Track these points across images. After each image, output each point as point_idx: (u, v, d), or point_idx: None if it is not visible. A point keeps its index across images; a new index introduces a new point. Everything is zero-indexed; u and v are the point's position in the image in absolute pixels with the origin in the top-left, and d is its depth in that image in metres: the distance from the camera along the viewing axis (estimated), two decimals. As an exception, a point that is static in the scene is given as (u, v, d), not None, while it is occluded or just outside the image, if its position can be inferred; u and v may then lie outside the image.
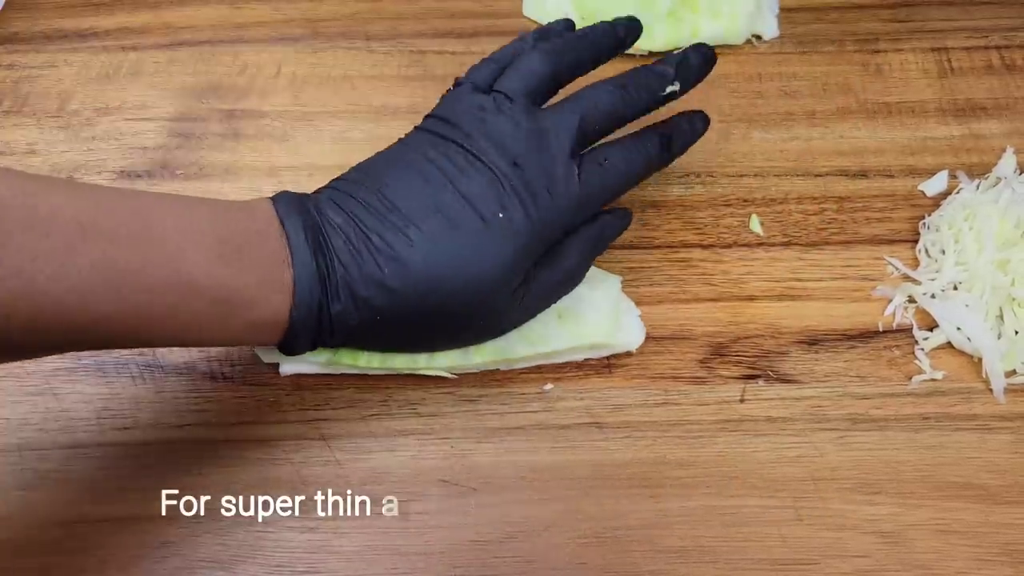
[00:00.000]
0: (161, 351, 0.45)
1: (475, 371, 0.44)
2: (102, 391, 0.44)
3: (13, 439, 0.43)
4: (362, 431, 0.43)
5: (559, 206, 0.40)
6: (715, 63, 0.45)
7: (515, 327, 0.43)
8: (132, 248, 0.33)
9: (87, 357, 0.45)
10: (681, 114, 0.46)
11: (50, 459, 0.42)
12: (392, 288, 0.37)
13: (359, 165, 0.41)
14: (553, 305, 0.43)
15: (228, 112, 0.55)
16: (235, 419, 0.43)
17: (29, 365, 0.45)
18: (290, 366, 0.44)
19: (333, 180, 0.40)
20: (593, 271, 0.46)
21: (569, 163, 0.40)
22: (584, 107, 0.41)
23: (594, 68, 0.44)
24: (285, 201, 0.38)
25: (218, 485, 0.41)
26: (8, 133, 0.54)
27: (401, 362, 0.43)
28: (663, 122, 0.45)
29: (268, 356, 0.44)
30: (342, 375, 0.44)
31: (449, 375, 0.44)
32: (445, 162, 0.39)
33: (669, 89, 0.43)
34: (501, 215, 0.38)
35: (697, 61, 0.44)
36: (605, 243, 0.44)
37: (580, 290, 0.44)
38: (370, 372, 0.44)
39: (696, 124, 0.46)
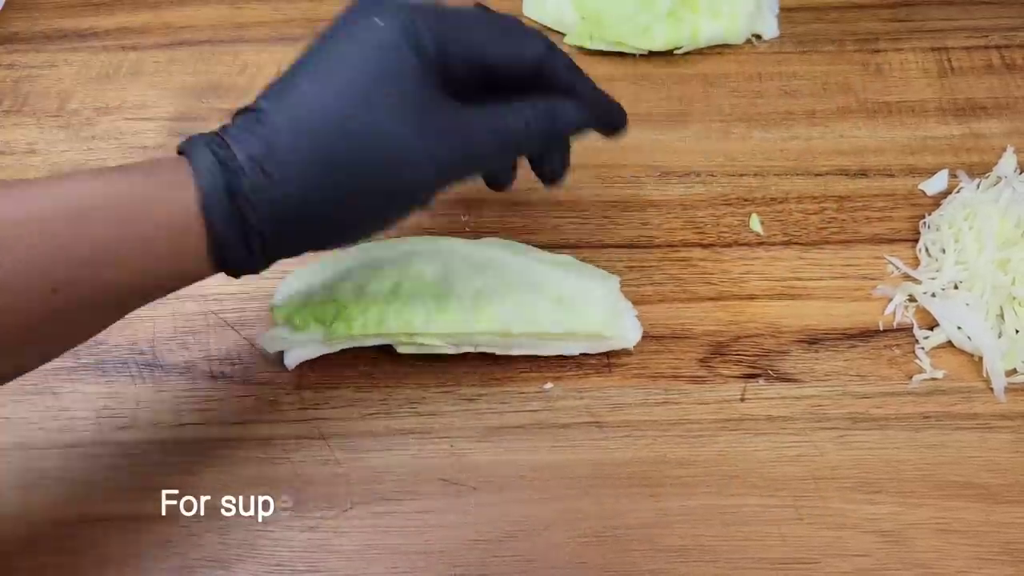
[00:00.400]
0: (160, 350, 0.45)
1: (472, 350, 0.44)
2: (102, 390, 0.44)
3: (13, 438, 0.43)
4: (362, 430, 0.43)
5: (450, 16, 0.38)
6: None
7: (441, 171, 0.38)
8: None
9: (87, 356, 0.45)
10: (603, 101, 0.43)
11: (50, 458, 0.42)
12: (288, 129, 0.35)
13: None
14: (552, 291, 0.43)
15: (228, 112, 0.54)
16: (235, 418, 0.43)
17: (29, 364, 0.45)
18: (293, 355, 0.44)
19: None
20: (593, 270, 0.46)
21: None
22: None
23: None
24: (196, 136, 0.37)
25: (218, 484, 0.41)
26: (8, 133, 0.54)
27: (396, 325, 0.43)
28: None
29: (272, 345, 0.44)
30: (342, 375, 0.44)
31: (444, 344, 0.43)
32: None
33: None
34: (379, 22, 0.37)
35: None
36: (557, 124, 0.40)
37: (580, 282, 0.44)
38: (366, 342, 0.43)
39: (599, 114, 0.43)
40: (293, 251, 0.38)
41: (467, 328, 0.43)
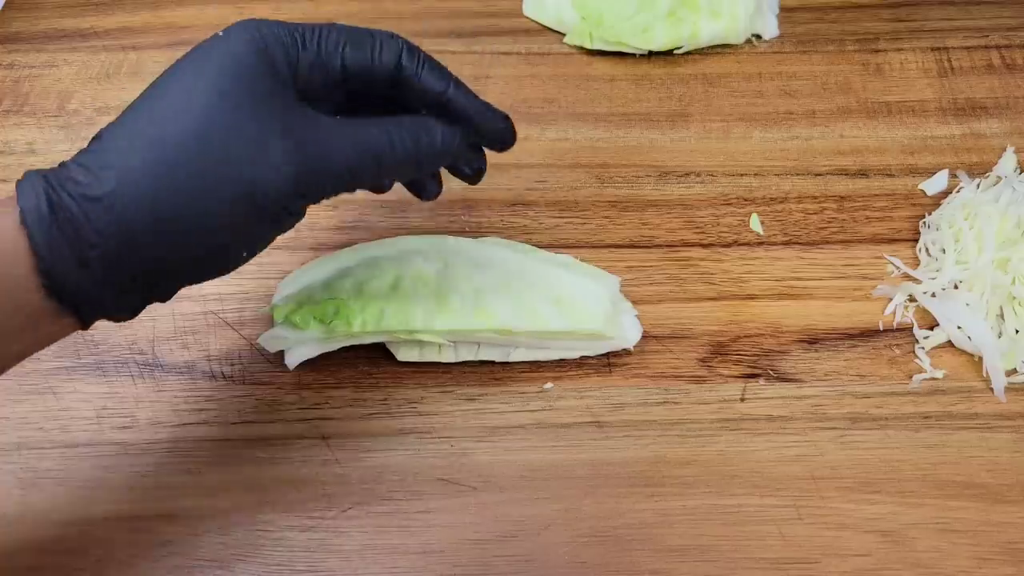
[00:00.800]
0: (160, 350, 0.45)
1: (472, 357, 0.44)
2: (102, 390, 0.44)
3: (12, 438, 0.43)
4: (362, 430, 0.43)
5: (299, 28, 0.37)
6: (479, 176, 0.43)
7: (297, 174, 0.35)
8: None
9: (87, 356, 0.45)
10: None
11: (49, 458, 0.42)
12: (122, 135, 0.33)
13: None
14: (551, 293, 0.43)
15: (228, 112, 0.54)
16: (235, 419, 0.43)
17: (28, 364, 0.45)
18: (294, 354, 0.44)
19: None
20: (593, 270, 0.46)
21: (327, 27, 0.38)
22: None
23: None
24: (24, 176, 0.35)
25: (218, 484, 0.41)
26: (8, 132, 0.54)
27: (395, 323, 0.42)
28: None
29: (272, 344, 0.44)
30: (342, 375, 0.44)
31: (444, 341, 0.43)
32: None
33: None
34: (221, 33, 0.36)
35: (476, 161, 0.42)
36: (421, 144, 0.38)
37: (581, 282, 0.44)
38: (366, 339, 0.43)
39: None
40: (154, 277, 0.35)
41: (467, 325, 0.43)
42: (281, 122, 0.35)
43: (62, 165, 0.34)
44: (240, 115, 0.34)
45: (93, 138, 0.35)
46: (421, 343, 0.44)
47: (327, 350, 0.44)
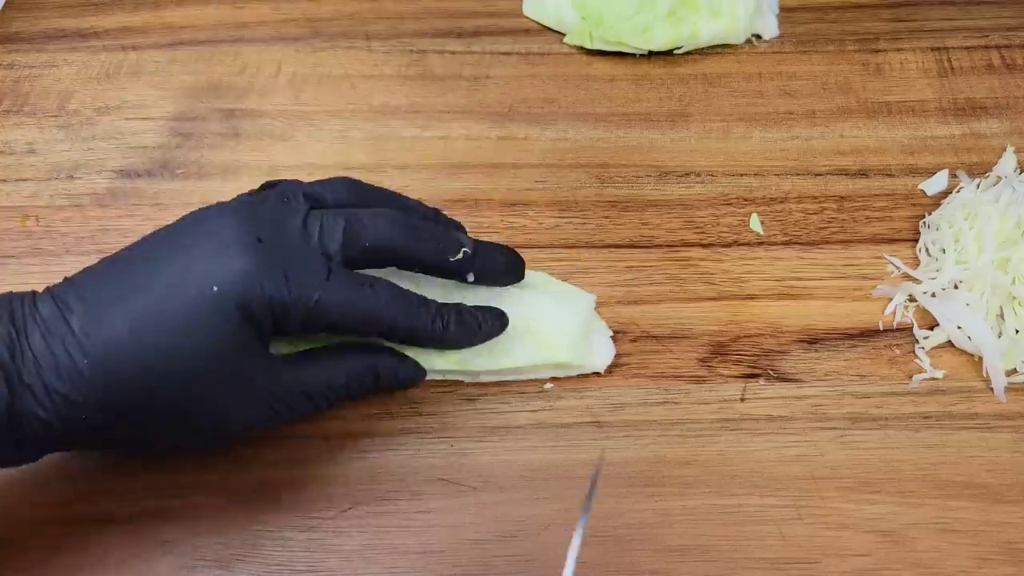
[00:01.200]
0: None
1: (438, 377, 0.43)
2: (102, 390, 0.44)
3: (13, 438, 0.43)
4: (362, 430, 0.43)
5: (295, 290, 0.36)
6: (517, 278, 0.43)
7: (248, 426, 0.38)
8: None
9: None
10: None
11: (49, 459, 0.42)
12: (88, 375, 0.34)
13: (113, 255, 0.38)
14: (519, 319, 0.42)
15: (228, 111, 0.55)
16: (235, 418, 0.43)
17: (29, 364, 0.45)
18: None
19: (80, 272, 0.37)
20: (567, 289, 0.45)
21: (319, 258, 0.37)
22: (355, 225, 0.38)
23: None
24: None
25: (218, 484, 0.41)
26: (8, 132, 0.54)
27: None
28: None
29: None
30: (342, 374, 0.44)
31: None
32: (179, 238, 0.37)
33: (457, 257, 0.40)
34: (216, 288, 0.35)
35: (502, 261, 0.43)
36: (375, 381, 0.40)
37: (548, 305, 0.43)
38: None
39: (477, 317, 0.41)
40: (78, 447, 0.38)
41: (433, 366, 0.42)
42: (241, 380, 0.36)
43: (25, 345, 0.34)
44: (207, 370, 0.35)
45: (63, 305, 0.35)
46: None
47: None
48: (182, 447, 0.40)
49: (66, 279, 0.37)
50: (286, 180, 0.42)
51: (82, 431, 0.35)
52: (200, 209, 0.38)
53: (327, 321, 0.37)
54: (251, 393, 0.37)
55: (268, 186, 0.41)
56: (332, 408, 0.40)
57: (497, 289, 0.43)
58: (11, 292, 0.36)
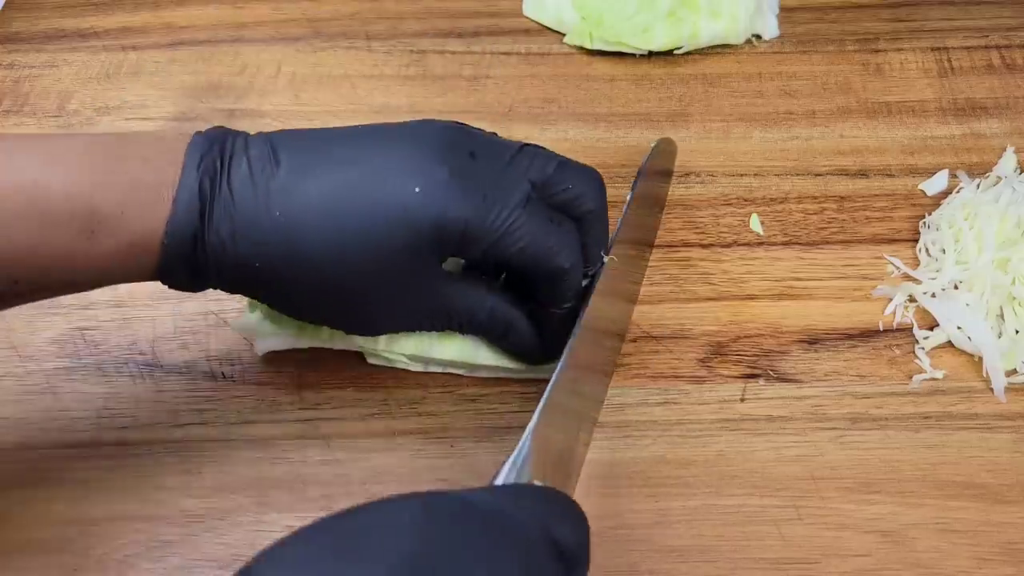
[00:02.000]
0: (160, 350, 0.45)
1: (438, 369, 0.44)
2: (102, 390, 0.44)
3: (13, 439, 0.43)
4: (362, 431, 0.43)
5: (491, 211, 0.36)
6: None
7: (408, 323, 0.40)
8: None
9: (87, 357, 0.45)
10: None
11: (50, 459, 0.42)
12: (274, 227, 0.35)
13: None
14: None
15: (228, 112, 0.55)
16: (235, 419, 0.43)
17: (29, 364, 0.45)
18: (264, 342, 0.44)
19: (289, 131, 0.38)
20: None
21: (523, 186, 0.37)
22: (565, 171, 0.39)
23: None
24: (210, 131, 0.36)
25: (218, 484, 0.41)
26: (8, 132, 0.54)
27: (362, 339, 0.42)
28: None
29: (244, 329, 0.44)
30: (342, 375, 0.44)
31: (410, 366, 0.43)
32: (393, 132, 0.38)
33: (595, 267, 0.40)
34: (418, 189, 0.35)
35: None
36: (504, 333, 0.40)
37: None
38: (335, 347, 0.43)
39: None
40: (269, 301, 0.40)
41: (429, 353, 0.42)
42: (414, 291, 0.38)
43: (226, 178, 0.35)
44: (386, 280, 0.37)
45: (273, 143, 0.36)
46: None
47: (297, 346, 0.44)
48: (328, 321, 0.41)
49: (277, 132, 0.37)
50: None
51: (249, 277, 0.36)
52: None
53: (513, 247, 0.37)
54: (408, 297, 0.38)
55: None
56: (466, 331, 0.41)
57: None
58: (225, 128, 0.37)
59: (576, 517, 0.30)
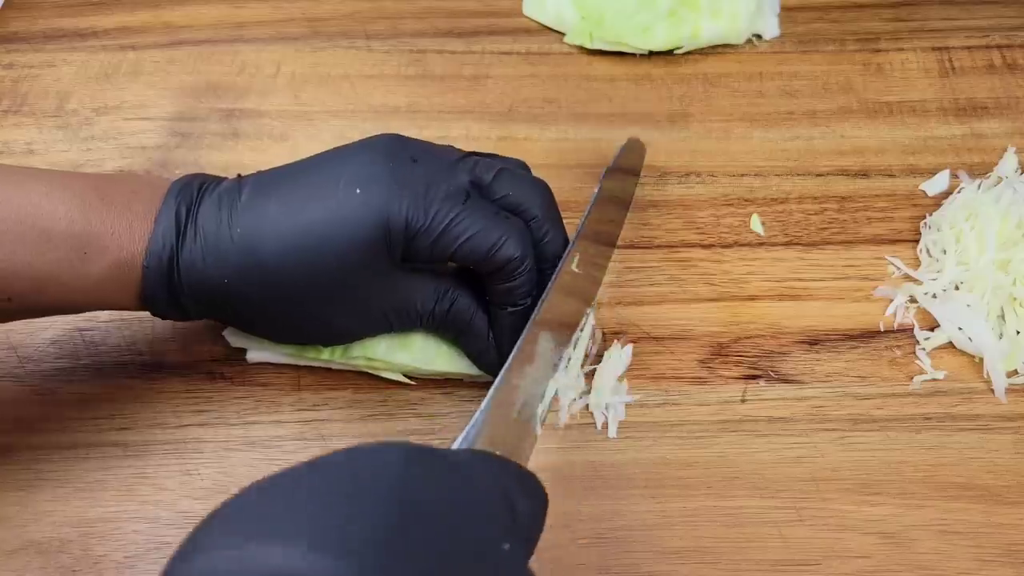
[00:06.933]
0: (160, 351, 0.45)
1: (435, 377, 0.44)
2: (102, 391, 0.44)
3: (13, 439, 0.43)
4: (362, 431, 0.43)
5: (433, 205, 0.37)
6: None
7: (373, 325, 0.41)
8: None
9: (86, 357, 0.45)
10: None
11: (49, 459, 0.42)
12: (235, 242, 0.37)
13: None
14: None
15: (227, 111, 0.54)
16: (235, 419, 0.43)
17: (29, 365, 0.45)
18: (257, 354, 0.44)
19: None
20: None
21: (464, 184, 0.39)
22: (507, 175, 0.40)
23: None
24: (193, 174, 0.40)
25: (218, 486, 0.41)
26: (7, 132, 0.54)
27: (358, 350, 0.43)
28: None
29: (236, 341, 0.44)
30: (342, 375, 0.44)
31: (404, 379, 0.44)
32: (343, 149, 0.40)
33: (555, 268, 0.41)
34: (359, 191, 0.37)
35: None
36: (454, 325, 0.41)
37: None
38: (334, 366, 0.44)
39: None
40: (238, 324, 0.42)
41: (426, 366, 0.43)
42: (375, 295, 0.39)
43: (200, 207, 0.38)
44: (349, 286, 0.38)
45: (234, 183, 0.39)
46: None
47: (286, 361, 0.44)
48: (300, 334, 0.42)
49: (252, 173, 0.40)
50: None
51: (220, 296, 0.38)
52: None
53: (459, 239, 0.38)
54: (368, 295, 0.39)
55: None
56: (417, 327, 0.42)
57: None
58: (206, 174, 0.40)
59: (534, 489, 0.31)
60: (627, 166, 0.49)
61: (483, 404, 0.35)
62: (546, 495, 0.32)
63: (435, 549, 0.25)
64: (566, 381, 0.42)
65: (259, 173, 0.40)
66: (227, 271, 0.37)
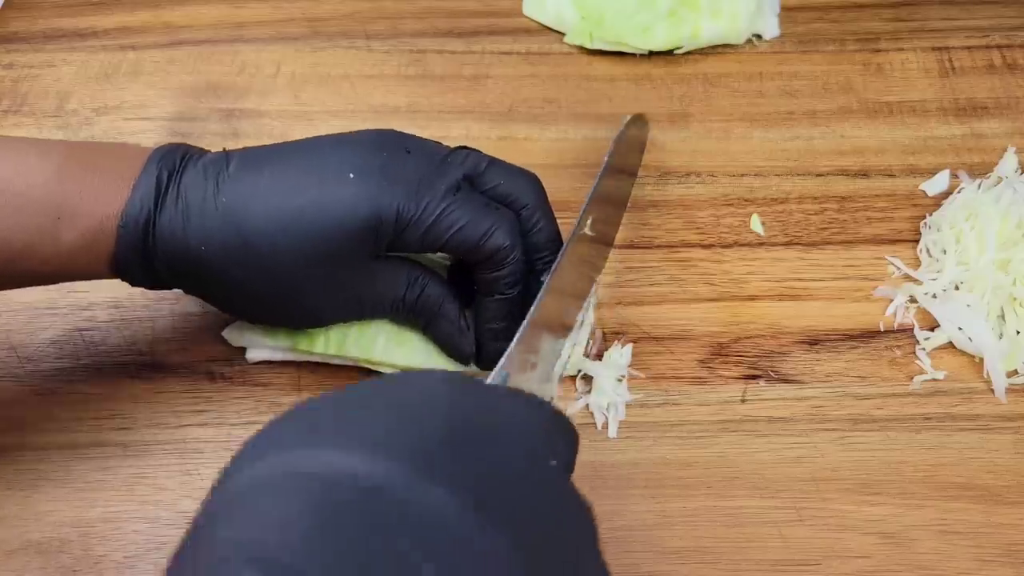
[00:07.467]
0: (160, 351, 0.45)
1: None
2: (101, 391, 0.44)
3: (13, 439, 0.43)
4: (362, 431, 0.43)
5: (423, 197, 0.38)
6: None
7: (348, 310, 0.41)
8: None
9: (86, 357, 0.45)
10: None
11: (49, 459, 0.42)
12: (220, 211, 0.37)
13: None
14: None
15: (227, 111, 0.54)
16: (235, 419, 0.43)
17: (29, 365, 0.45)
18: (256, 352, 0.44)
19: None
20: None
21: (456, 177, 0.39)
22: (497, 168, 0.41)
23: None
24: (176, 145, 0.39)
25: (217, 486, 0.41)
26: (7, 132, 0.54)
27: (356, 351, 0.43)
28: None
29: (237, 340, 0.44)
30: (342, 375, 0.44)
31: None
32: (338, 137, 0.40)
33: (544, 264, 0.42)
34: (352, 175, 0.37)
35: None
36: (425, 314, 0.42)
37: None
38: (330, 360, 0.44)
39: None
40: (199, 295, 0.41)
41: (424, 363, 0.43)
42: (348, 284, 0.40)
43: (185, 172, 0.38)
44: (329, 278, 0.39)
45: (222, 155, 0.39)
46: None
47: (291, 359, 0.44)
48: (273, 315, 0.42)
49: (237, 148, 0.40)
50: None
51: (197, 267, 0.38)
52: None
53: (450, 229, 0.38)
54: (348, 280, 0.39)
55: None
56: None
57: None
58: (190, 144, 0.40)
59: (566, 426, 0.31)
60: (634, 137, 0.50)
61: (511, 346, 0.36)
62: (577, 434, 0.31)
63: (486, 457, 0.25)
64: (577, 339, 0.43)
65: (247, 148, 0.39)
66: (206, 239, 0.37)
